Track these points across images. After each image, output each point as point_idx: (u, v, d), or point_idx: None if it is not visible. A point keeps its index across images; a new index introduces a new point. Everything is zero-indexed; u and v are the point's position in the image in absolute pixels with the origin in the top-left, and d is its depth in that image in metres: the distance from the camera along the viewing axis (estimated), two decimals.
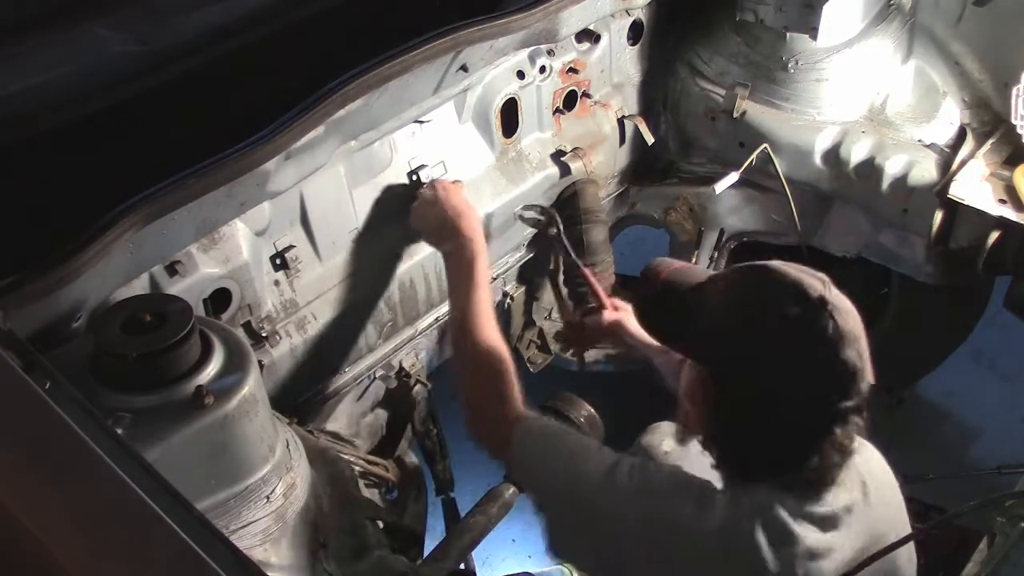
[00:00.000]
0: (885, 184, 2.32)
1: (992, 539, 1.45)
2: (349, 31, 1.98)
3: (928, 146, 2.35)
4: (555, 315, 2.71)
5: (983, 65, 2.35)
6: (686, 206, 2.63)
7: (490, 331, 1.79)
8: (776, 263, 1.43)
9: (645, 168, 2.65)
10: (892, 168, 2.31)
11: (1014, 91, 2.22)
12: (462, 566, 2.13)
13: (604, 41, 2.35)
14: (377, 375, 2.19)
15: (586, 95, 2.38)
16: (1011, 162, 2.28)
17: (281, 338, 1.89)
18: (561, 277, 2.46)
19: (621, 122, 2.48)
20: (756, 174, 2.47)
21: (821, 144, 2.39)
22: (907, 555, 1.55)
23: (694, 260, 2.64)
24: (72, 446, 1.06)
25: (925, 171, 2.29)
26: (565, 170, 2.32)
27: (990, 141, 2.33)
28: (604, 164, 2.45)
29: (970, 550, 1.57)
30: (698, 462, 1.83)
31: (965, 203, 2.22)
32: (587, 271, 2.26)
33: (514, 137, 2.25)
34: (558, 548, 1.63)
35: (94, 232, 1.42)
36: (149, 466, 1.06)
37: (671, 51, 2.54)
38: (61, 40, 1.73)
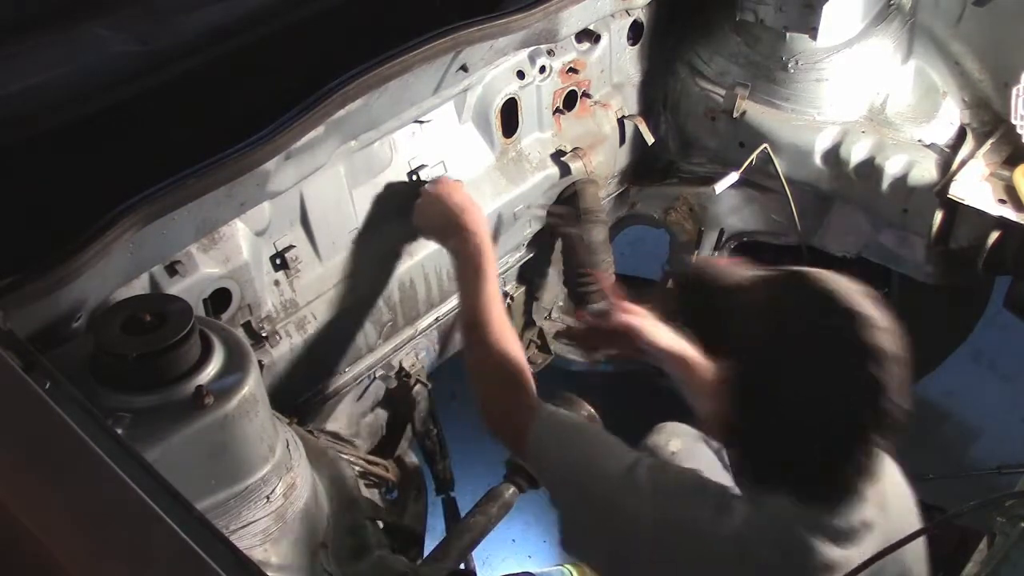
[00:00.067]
0: (885, 184, 2.32)
1: (992, 539, 1.45)
2: (349, 31, 1.98)
3: (928, 146, 2.35)
4: (555, 315, 2.71)
5: (983, 65, 2.35)
6: (686, 206, 2.63)
7: (501, 324, 1.78)
8: (818, 271, 1.42)
9: (645, 168, 2.65)
10: (892, 168, 2.31)
11: (1014, 91, 2.22)
12: (462, 566, 2.14)
13: (604, 41, 2.35)
14: (377, 375, 2.19)
15: (586, 95, 2.38)
16: (1011, 162, 2.28)
17: (281, 338, 1.89)
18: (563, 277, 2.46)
19: (621, 122, 2.48)
20: (756, 174, 2.47)
21: (821, 144, 2.39)
22: (916, 559, 1.54)
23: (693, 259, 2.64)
24: (72, 446, 1.06)
25: (925, 171, 2.29)
26: (565, 170, 2.32)
27: (990, 141, 2.33)
28: (604, 164, 2.45)
29: (970, 550, 1.57)
30: (707, 464, 1.83)
31: (965, 203, 2.22)
32: (603, 274, 2.24)
33: (514, 137, 2.25)
34: (570, 544, 1.63)
35: (94, 232, 1.42)
36: (149, 466, 1.06)
37: (671, 51, 2.54)
38: (61, 40, 1.73)
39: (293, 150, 1.65)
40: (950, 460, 3.02)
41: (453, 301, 2.25)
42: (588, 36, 2.33)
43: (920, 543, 1.54)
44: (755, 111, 2.44)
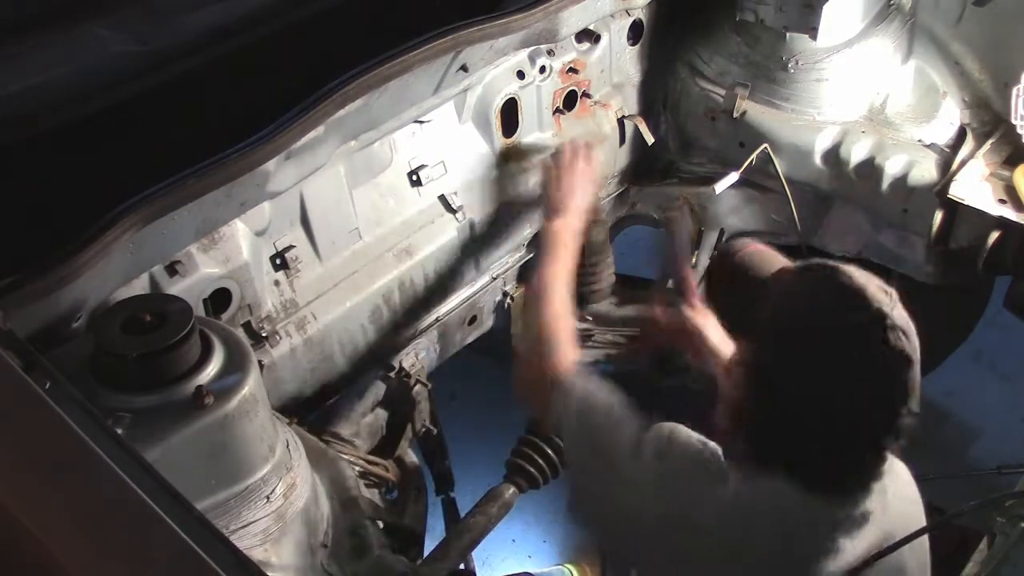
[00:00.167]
0: (885, 184, 2.32)
1: (992, 539, 1.45)
2: (349, 31, 1.98)
3: (928, 146, 2.35)
4: None
5: (983, 65, 2.35)
6: (686, 206, 2.62)
7: (560, 300, 1.86)
8: (847, 267, 1.43)
9: (645, 168, 2.65)
10: (892, 168, 2.31)
11: (1014, 91, 2.22)
12: (462, 566, 2.14)
13: (604, 41, 2.35)
14: (377, 375, 2.19)
15: (586, 95, 2.38)
16: (1011, 162, 2.28)
17: (281, 338, 1.89)
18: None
19: (621, 122, 2.48)
20: (756, 174, 2.47)
21: (821, 144, 2.39)
22: (916, 561, 1.54)
23: (694, 260, 2.64)
24: (72, 446, 1.06)
25: (925, 171, 2.29)
26: None
27: (990, 141, 2.33)
28: (604, 164, 2.44)
29: (970, 550, 1.57)
30: None
31: (965, 203, 2.22)
32: (688, 269, 2.21)
33: (514, 137, 2.25)
34: (576, 507, 1.66)
35: (94, 232, 1.42)
36: (149, 466, 1.06)
37: (671, 51, 2.54)
38: (61, 40, 1.73)
39: (293, 150, 1.65)
40: (950, 460, 3.03)
41: (453, 301, 2.25)
42: (588, 36, 2.33)
43: (925, 548, 1.55)
44: (755, 111, 2.44)
